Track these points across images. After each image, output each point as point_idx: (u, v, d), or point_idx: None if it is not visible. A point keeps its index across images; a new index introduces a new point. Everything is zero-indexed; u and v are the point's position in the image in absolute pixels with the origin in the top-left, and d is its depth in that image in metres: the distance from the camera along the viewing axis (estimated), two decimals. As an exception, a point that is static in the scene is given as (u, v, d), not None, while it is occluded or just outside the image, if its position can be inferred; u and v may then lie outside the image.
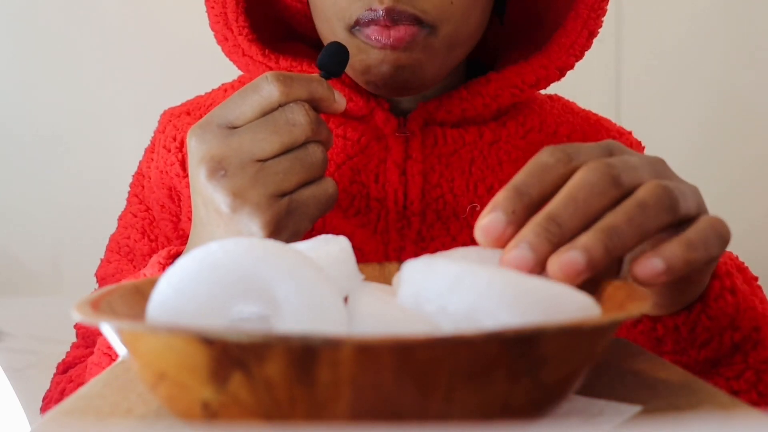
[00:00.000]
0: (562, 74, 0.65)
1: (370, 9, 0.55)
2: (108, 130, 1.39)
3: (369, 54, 0.57)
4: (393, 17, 0.55)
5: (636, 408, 0.32)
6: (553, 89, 0.73)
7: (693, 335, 0.49)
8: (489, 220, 0.36)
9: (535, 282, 0.31)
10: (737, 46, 1.52)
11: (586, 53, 0.65)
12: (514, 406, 0.27)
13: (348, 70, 0.60)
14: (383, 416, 0.26)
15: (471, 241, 0.61)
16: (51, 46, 1.38)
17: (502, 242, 0.36)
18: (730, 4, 1.51)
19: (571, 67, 0.65)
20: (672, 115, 1.51)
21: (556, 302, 0.30)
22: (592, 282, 0.37)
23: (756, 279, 0.60)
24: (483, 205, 0.61)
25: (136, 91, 1.38)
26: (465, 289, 0.31)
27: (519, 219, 0.36)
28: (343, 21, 0.58)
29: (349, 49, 0.57)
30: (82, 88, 1.39)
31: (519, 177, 0.37)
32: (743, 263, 0.61)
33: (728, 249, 0.54)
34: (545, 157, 0.37)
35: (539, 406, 0.28)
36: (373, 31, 0.56)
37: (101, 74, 1.39)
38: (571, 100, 0.74)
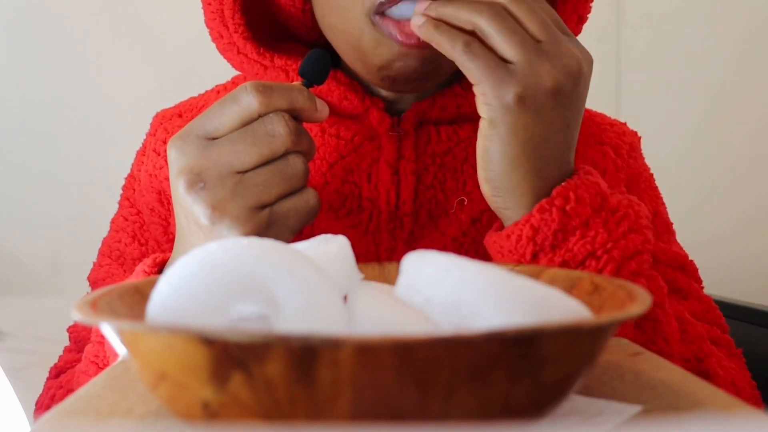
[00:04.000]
0: None
1: None
2: (109, 130, 1.39)
3: (390, 48, 0.55)
4: None
5: (636, 408, 0.32)
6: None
7: (519, 245, 0.51)
8: None
9: (524, 282, 0.32)
10: (736, 46, 1.52)
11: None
12: (514, 406, 0.27)
13: (358, 65, 0.58)
14: (383, 416, 0.26)
15: (461, 236, 0.61)
16: (52, 47, 1.38)
17: None
18: (729, 4, 1.51)
19: None
20: (671, 113, 1.51)
21: (543, 303, 0.30)
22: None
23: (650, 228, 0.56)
24: (473, 200, 0.61)
25: (137, 91, 1.38)
26: (451, 282, 0.31)
27: None
28: (362, 5, 0.55)
29: (368, 42, 0.55)
30: (82, 88, 1.39)
31: None
32: (636, 212, 0.55)
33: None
34: None
35: (539, 406, 0.28)
36: (400, 31, 0.54)
37: (102, 74, 1.39)
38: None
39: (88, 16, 1.38)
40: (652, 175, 0.72)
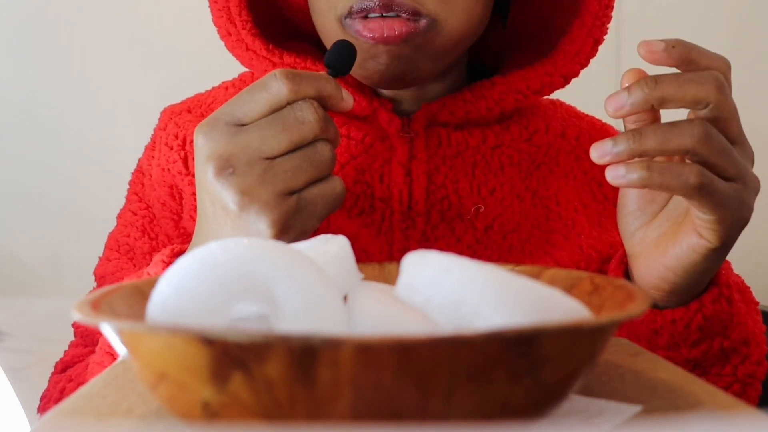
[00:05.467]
0: (566, 82, 0.65)
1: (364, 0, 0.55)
2: (109, 128, 1.39)
3: (361, 48, 0.57)
4: (389, 8, 0.55)
5: (636, 408, 0.32)
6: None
7: (687, 332, 0.53)
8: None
9: (524, 282, 0.32)
10: (737, 48, 1.52)
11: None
12: (514, 406, 0.27)
13: None
14: (383, 416, 0.26)
15: (476, 243, 0.61)
16: (52, 44, 1.38)
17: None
18: (730, 6, 1.51)
19: (576, 74, 0.65)
20: (670, 113, 1.51)
21: (543, 303, 0.30)
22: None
23: (756, 303, 0.62)
24: (487, 207, 0.61)
25: (137, 88, 1.38)
26: (451, 282, 0.31)
27: None
28: (335, 11, 0.57)
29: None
30: (83, 87, 1.39)
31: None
32: (747, 286, 0.63)
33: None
34: None
35: (539, 406, 0.28)
36: (364, 27, 0.56)
37: (102, 72, 1.39)
38: (571, 101, 0.74)
39: (90, 13, 1.38)
40: None
